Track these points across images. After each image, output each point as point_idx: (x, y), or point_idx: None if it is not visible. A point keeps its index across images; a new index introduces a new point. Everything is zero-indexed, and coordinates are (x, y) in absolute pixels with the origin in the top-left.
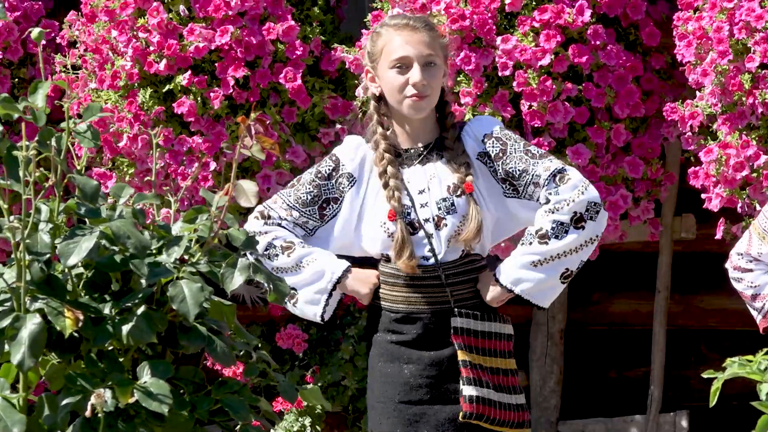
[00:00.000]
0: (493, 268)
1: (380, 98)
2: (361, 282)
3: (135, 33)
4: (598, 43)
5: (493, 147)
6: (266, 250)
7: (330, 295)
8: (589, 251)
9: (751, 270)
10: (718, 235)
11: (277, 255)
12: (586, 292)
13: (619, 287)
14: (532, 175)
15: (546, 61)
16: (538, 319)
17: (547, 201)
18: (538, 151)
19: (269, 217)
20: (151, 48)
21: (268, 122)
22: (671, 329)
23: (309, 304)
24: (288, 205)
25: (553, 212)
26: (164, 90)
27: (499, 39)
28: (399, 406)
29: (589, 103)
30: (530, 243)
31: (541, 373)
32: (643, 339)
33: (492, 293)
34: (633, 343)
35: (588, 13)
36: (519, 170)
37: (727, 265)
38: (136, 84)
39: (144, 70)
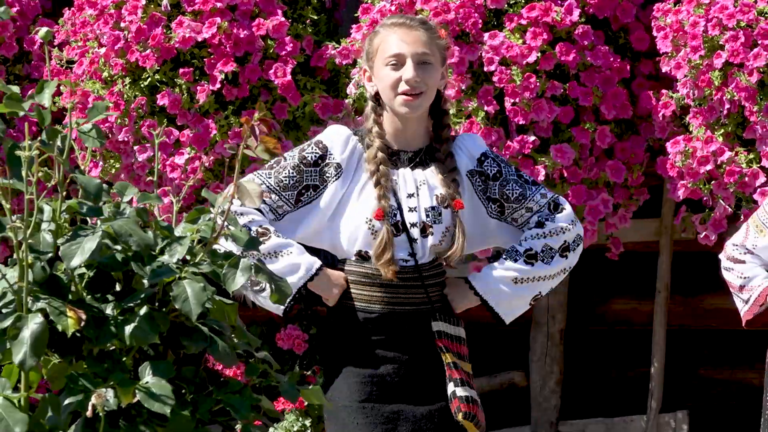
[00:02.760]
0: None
1: (377, 98)
2: (332, 283)
3: (117, 23)
4: (586, 43)
5: (491, 167)
6: None
7: (299, 290)
8: (559, 280)
9: (743, 261)
10: (676, 222)
11: None
12: (586, 292)
13: (620, 287)
14: (529, 200)
15: (532, 58)
16: (538, 320)
17: (539, 225)
18: (529, 177)
19: None
20: (130, 35)
21: (269, 119)
22: (671, 329)
23: None
24: (268, 187)
25: (545, 237)
26: (146, 83)
27: (486, 35)
28: (376, 406)
29: (575, 102)
30: (515, 260)
31: (541, 373)
32: (643, 339)
33: (465, 300)
34: (633, 343)
35: (577, 12)
36: (516, 194)
37: (721, 255)
38: (119, 74)
39: (129, 62)
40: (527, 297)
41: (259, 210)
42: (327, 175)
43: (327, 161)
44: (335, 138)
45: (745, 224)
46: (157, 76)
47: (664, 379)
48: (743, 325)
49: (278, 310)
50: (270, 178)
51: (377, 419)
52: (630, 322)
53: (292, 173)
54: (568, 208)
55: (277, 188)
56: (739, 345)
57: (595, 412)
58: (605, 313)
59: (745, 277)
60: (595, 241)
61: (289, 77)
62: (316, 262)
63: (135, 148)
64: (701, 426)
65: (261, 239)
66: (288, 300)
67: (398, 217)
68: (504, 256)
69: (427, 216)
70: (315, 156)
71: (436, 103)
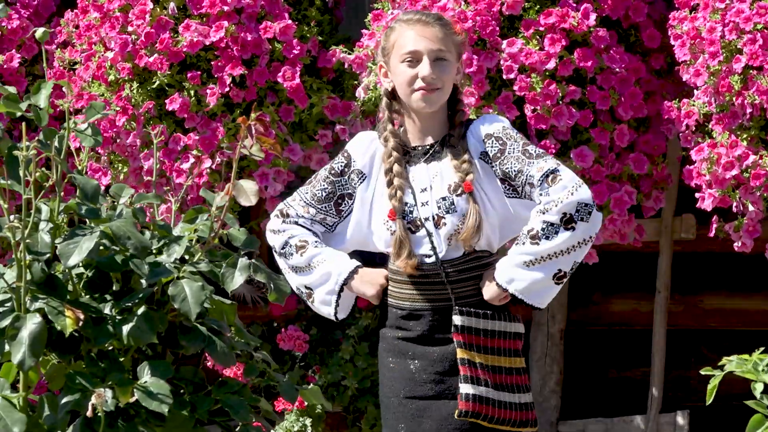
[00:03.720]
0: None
1: (393, 94)
2: (368, 283)
3: (124, 27)
4: (602, 46)
5: (492, 147)
6: (282, 248)
7: (338, 296)
8: (583, 252)
9: None
10: (711, 233)
11: (291, 254)
12: (586, 292)
13: (619, 287)
14: (527, 176)
15: (551, 65)
16: (538, 319)
17: (540, 202)
18: (535, 151)
19: (287, 215)
20: (139, 40)
21: (266, 120)
22: (671, 329)
23: (322, 304)
24: (305, 202)
25: (543, 213)
26: (155, 86)
27: (504, 42)
28: (404, 401)
29: (593, 105)
30: (523, 243)
31: (541, 373)
32: (643, 339)
33: (488, 291)
34: (633, 343)
35: (593, 17)
36: (515, 171)
37: None
38: (126, 78)
39: (137, 66)
40: (547, 277)
41: (298, 224)
42: (353, 182)
43: (351, 168)
44: (358, 145)
45: None
46: (165, 80)
47: (664, 379)
48: None
49: (331, 316)
50: (307, 193)
51: (404, 415)
52: (630, 322)
53: (324, 185)
54: (564, 177)
55: (313, 201)
56: (739, 345)
57: (594, 412)
58: (605, 313)
59: None
60: (608, 240)
61: (297, 80)
62: (347, 267)
63: (141, 155)
64: (701, 426)
65: (299, 252)
66: (334, 306)
67: (415, 214)
68: (516, 242)
69: (439, 207)
70: (341, 165)
71: (452, 95)
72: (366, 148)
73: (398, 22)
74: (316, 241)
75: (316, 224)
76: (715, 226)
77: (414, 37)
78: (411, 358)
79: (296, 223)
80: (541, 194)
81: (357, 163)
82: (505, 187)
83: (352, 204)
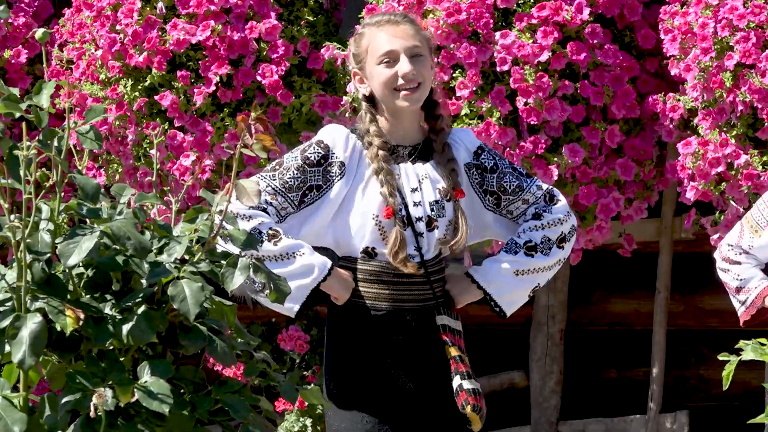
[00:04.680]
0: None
1: (370, 99)
2: (342, 283)
3: (113, 26)
4: (595, 42)
5: (487, 160)
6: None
7: (312, 291)
8: (555, 271)
9: (739, 263)
10: (687, 225)
11: (262, 241)
12: (586, 292)
13: (619, 287)
14: (525, 192)
15: (544, 57)
16: (538, 319)
17: (536, 217)
18: (522, 170)
19: None
20: (127, 39)
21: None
22: (671, 329)
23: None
24: (273, 189)
25: (544, 228)
26: (146, 84)
27: (498, 34)
28: (385, 404)
29: (586, 102)
30: (515, 252)
31: (541, 373)
32: (643, 339)
33: (468, 294)
34: (633, 343)
35: (587, 11)
36: (512, 186)
37: (716, 255)
38: (117, 77)
39: (126, 65)
40: (527, 289)
41: (266, 212)
42: (331, 174)
43: (330, 160)
44: (336, 136)
45: (739, 224)
46: (158, 79)
47: (664, 379)
48: (741, 324)
49: (291, 311)
50: (275, 180)
51: (387, 417)
52: (630, 322)
53: (297, 174)
54: (563, 200)
55: (283, 190)
56: None
57: (594, 412)
58: (605, 313)
59: (741, 279)
60: (609, 238)
61: (276, 77)
62: (328, 262)
63: (151, 152)
64: (701, 426)
65: (272, 241)
66: (302, 301)
67: (404, 212)
68: (504, 249)
69: (432, 210)
70: (318, 156)
71: (427, 98)
72: (345, 142)
73: (366, 27)
74: (285, 232)
75: (276, 214)
76: (692, 219)
77: (387, 38)
78: (389, 359)
79: (264, 210)
80: (544, 211)
81: (337, 155)
82: (490, 200)
83: (317, 195)
